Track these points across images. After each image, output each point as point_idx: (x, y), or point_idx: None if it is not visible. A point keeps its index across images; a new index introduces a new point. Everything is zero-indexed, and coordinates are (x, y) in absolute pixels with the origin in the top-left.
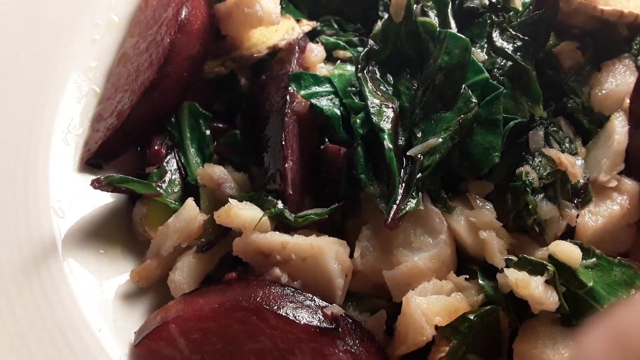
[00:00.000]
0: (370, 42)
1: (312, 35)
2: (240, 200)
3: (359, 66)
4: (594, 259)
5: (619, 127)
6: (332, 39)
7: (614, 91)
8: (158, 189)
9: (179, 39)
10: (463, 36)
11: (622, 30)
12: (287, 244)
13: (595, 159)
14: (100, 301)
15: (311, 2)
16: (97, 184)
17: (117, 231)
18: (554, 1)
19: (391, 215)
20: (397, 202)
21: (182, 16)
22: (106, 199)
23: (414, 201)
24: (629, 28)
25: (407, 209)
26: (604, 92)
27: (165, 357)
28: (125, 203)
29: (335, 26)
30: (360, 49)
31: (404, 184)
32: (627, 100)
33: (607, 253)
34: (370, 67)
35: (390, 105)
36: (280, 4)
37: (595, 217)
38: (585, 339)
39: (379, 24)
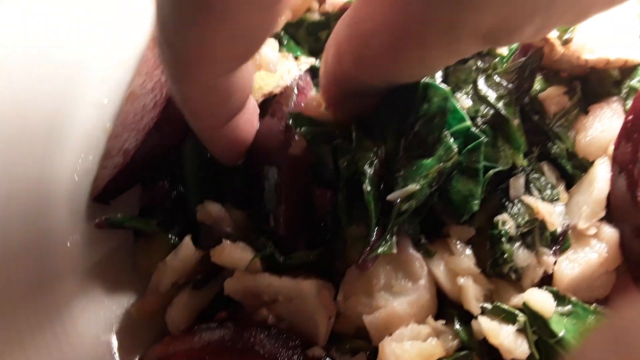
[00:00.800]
0: None
1: (312, 72)
2: (235, 240)
3: None
4: (569, 306)
5: (601, 174)
6: None
7: (598, 137)
8: (159, 225)
9: None
10: (443, 87)
11: (613, 73)
12: (274, 284)
13: (577, 205)
14: (104, 334)
15: (311, 38)
16: (100, 225)
17: (123, 266)
18: (538, 48)
19: (363, 256)
20: (370, 244)
21: None
22: (112, 234)
23: (387, 244)
24: (620, 70)
25: (378, 251)
26: (588, 138)
27: None
28: (130, 239)
29: None
30: None
31: (379, 228)
32: (612, 147)
33: (584, 299)
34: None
35: (376, 151)
36: (281, 40)
37: (572, 264)
38: (585, 339)
39: None
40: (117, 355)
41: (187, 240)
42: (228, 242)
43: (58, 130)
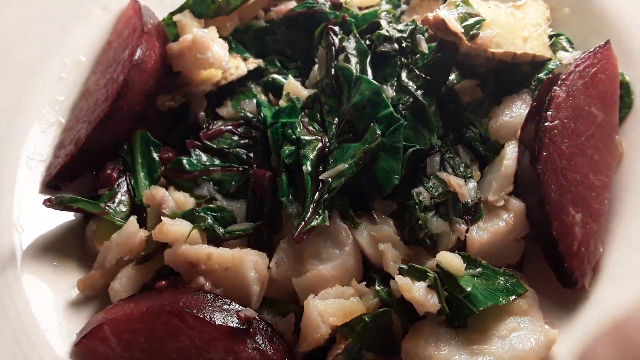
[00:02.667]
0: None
1: (257, 73)
2: (173, 218)
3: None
4: (479, 269)
5: (509, 153)
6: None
7: (508, 122)
8: (106, 208)
9: (132, 76)
10: (375, 82)
11: (525, 68)
12: (212, 255)
13: (489, 182)
14: (51, 307)
15: (258, 42)
16: (48, 203)
17: (72, 246)
18: (452, 45)
19: (298, 230)
20: (306, 219)
21: (137, 56)
22: (63, 217)
23: (320, 218)
24: (531, 66)
25: (313, 224)
26: (499, 123)
27: (100, 355)
28: (80, 221)
29: (279, 64)
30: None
31: (314, 204)
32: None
33: (496, 264)
34: (304, 112)
35: (320, 138)
36: (230, 43)
37: (482, 232)
38: (592, 341)
39: (315, 68)
40: (64, 328)
41: (132, 219)
42: (168, 219)
43: (15, 124)
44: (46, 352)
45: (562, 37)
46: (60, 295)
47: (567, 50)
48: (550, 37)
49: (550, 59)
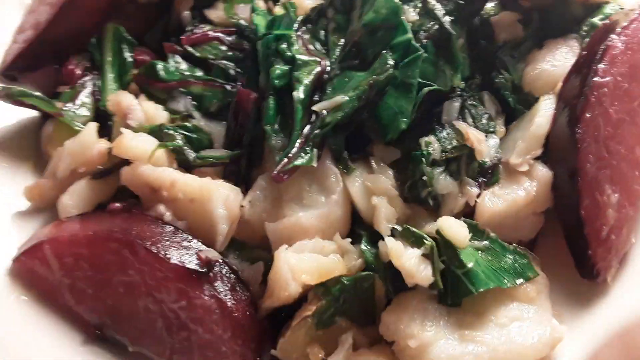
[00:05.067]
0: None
1: None
2: (138, 132)
3: (296, 26)
4: (486, 242)
5: (544, 110)
6: None
7: (548, 72)
8: (64, 109)
9: None
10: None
11: (576, 10)
12: (177, 182)
13: (514, 140)
14: None
15: None
16: None
17: (27, 148)
18: None
19: (279, 167)
20: (290, 155)
21: None
22: (21, 113)
23: (307, 157)
24: (584, 8)
25: (296, 163)
26: (537, 71)
27: (38, 277)
28: (39, 121)
29: None
30: None
31: (302, 139)
32: (561, 84)
33: (507, 238)
34: (305, 27)
35: (319, 61)
36: None
37: (496, 199)
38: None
39: None
40: (5, 239)
41: (91, 126)
42: (129, 132)
43: None
44: None
45: None
46: (8, 201)
47: None
48: None
49: (608, 2)
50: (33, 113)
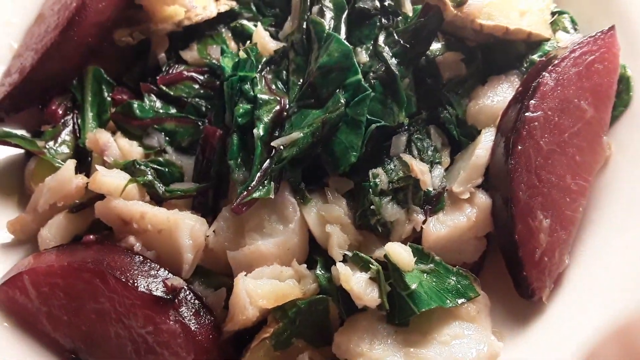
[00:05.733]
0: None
1: (231, 16)
2: (114, 167)
3: (259, 67)
4: (431, 265)
5: (484, 142)
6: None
7: (489, 106)
8: (47, 147)
9: (86, 4)
10: (347, 44)
11: (520, 47)
12: (146, 214)
13: (457, 170)
14: None
15: None
16: None
17: (12, 184)
18: (437, 10)
19: (238, 200)
20: (249, 188)
21: None
22: (6, 151)
23: (264, 189)
24: (526, 45)
25: (254, 195)
26: (478, 106)
27: (19, 304)
28: (23, 158)
29: (254, 10)
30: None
31: (261, 172)
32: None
33: (452, 261)
34: (269, 68)
35: (279, 100)
36: None
37: (440, 225)
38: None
39: (288, 20)
40: None
41: (69, 163)
42: (103, 168)
43: None
44: None
45: (565, 15)
46: None
47: (567, 32)
48: (553, 14)
49: (548, 39)
50: (18, 151)
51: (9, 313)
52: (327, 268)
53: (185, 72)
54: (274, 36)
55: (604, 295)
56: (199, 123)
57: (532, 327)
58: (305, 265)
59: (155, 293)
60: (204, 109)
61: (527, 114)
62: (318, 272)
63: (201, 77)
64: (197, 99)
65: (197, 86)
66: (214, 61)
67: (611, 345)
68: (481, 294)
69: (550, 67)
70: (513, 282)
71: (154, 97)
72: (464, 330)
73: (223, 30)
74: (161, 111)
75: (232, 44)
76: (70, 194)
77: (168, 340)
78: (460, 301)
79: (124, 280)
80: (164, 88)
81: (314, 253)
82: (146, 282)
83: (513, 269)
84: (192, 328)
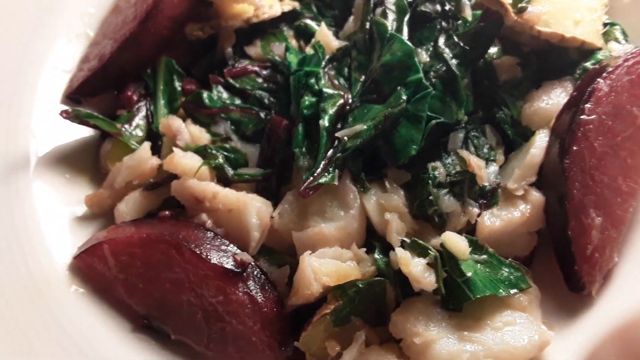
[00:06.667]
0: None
1: (292, 16)
2: (185, 151)
3: (322, 63)
4: (485, 256)
5: (538, 142)
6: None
7: (543, 109)
8: (122, 130)
9: None
10: (409, 43)
11: (573, 54)
12: (218, 194)
13: (512, 168)
14: (57, 218)
15: None
16: (65, 115)
17: (86, 162)
18: (497, 16)
19: (305, 184)
20: (315, 174)
21: None
22: (81, 132)
23: (329, 176)
24: (579, 53)
25: (320, 181)
26: (534, 107)
27: (97, 272)
28: (97, 139)
29: (315, 10)
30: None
31: (326, 160)
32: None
33: (504, 254)
34: (331, 65)
35: (342, 95)
36: None
37: (494, 218)
38: (596, 347)
39: (350, 20)
40: (67, 240)
41: (145, 145)
42: (179, 150)
43: (42, 30)
44: (46, 260)
45: (617, 27)
46: (68, 207)
47: (619, 42)
48: (605, 25)
49: (600, 49)
50: (90, 132)
51: (87, 280)
52: (385, 253)
53: (250, 67)
54: (334, 35)
55: None
56: (262, 114)
57: (580, 320)
58: (365, 250)
59: (226, 266)
60: (266, 101)
61: (582, 117)
62: (376, 256)
63: (264, 72)
64: (260, 92)
65: (260, 80)
66: (276, 57)
67: (611, 345)
68: (532, 286)
69: (604, 73)
70: (564, 276)
71: (221, 89)
72: (516, 318)
73: (285, 28)
74: (227, 102)
75: (294, 42)
76: (145, 173)
77: (236, 310)
78: (512, 291)
79: (198, 252)
80: (231, 80)
81: (371, 239)
82: (218, 256)
83: (564, 263)
84: (259, 300)
